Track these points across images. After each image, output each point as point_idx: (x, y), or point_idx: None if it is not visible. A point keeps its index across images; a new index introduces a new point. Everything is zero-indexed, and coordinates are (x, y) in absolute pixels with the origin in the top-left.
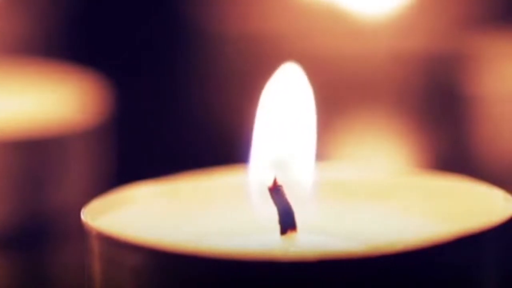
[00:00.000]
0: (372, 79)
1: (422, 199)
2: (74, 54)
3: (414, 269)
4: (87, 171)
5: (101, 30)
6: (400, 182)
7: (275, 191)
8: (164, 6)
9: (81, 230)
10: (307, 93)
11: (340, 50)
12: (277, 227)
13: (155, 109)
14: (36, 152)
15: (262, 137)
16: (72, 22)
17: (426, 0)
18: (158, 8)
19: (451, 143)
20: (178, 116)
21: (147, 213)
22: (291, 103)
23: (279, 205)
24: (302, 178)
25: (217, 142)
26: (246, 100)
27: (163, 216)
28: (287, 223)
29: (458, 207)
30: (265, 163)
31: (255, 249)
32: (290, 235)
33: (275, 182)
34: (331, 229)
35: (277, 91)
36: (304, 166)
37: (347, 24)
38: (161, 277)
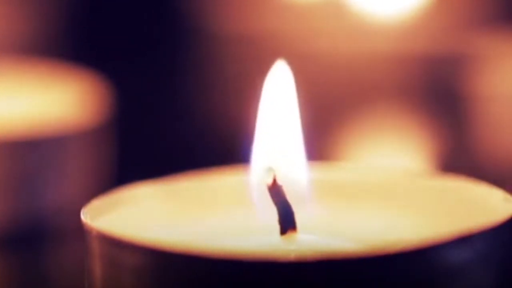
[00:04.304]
0: (373, 79)
1: (422, 199)
2: (74, 54)
3: (414, 269)
4: (87, 171)
5: (101, 30)
6: (400, 182)
7: (275, 191)
8: (164, 6)
9: (81, 230)
10: (293, 92)
11: (342, 51)
12: (277, 227)
13: (155, 109)
14: (36, 152)
15: (263, 137)
16: (72, 22)
17: (427, 1)
18: (158, 8)
19: (452, 143)
20: (178, 116)
21: (147, 213)
22: (285, 102)
23: (279, 205)
24: (302, 178)
25: (217, 142)
26: (246, 100)
27: (163, 216)
28: (287, 223)
29: (458, 207)
30: (265, 163)
31: (255, 249)
32: (290, 235)
33: (274, 182)
34: (331, 229)
35: (273, 91)
36: (304, 166)
37: (349, 25)
38: (161, 277)
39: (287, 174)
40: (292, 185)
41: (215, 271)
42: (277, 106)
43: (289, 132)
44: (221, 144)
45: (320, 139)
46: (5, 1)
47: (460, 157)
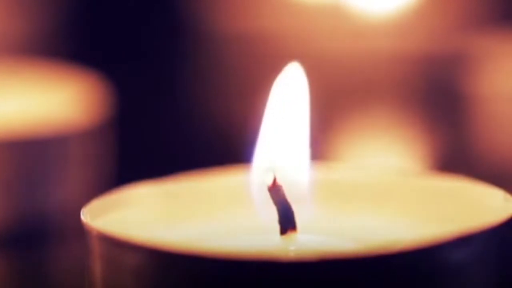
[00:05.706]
0: (372, 79)
1: (422, 199)
2: (75, 54)
3: (414, 269)
4: (87, 171)
5: (101, 30)
6: (399, 182)
7: (275, 191)
8: (164, 6)
9: (81, 230)
10: (305, 94)
11: (341, 50)
12: (277, 227)
13: (155, 109)
14: (36, 152)
15: (265, 137)
16: (72, 22)
17: (426, 0)
18: (158, 8)
19: (451, 143)
20: (178, 116)
21: (147, 213)
22: (292, 104)
23: (279, 205)
24: (302, 178)
25: (217, 142)
26: (246, 100)
27: (163, 216)
28: (287, 223)
29: (458, 207)
30: (266, 163)
31: (255, 249)
32: (290, 235)
33: (274, 182)
34: (331, 229)
35: (280, 92)
36: (304, 166)
37: (349, 24)
38: (161, 277)
39: (287, 174)
40: (292, 185)
41: (215, 271)
42: (285, 106)
43: (292, 132)
44: (221, 144)
45: (319, 139)
46: (5, 1)
47: (459, 157)
